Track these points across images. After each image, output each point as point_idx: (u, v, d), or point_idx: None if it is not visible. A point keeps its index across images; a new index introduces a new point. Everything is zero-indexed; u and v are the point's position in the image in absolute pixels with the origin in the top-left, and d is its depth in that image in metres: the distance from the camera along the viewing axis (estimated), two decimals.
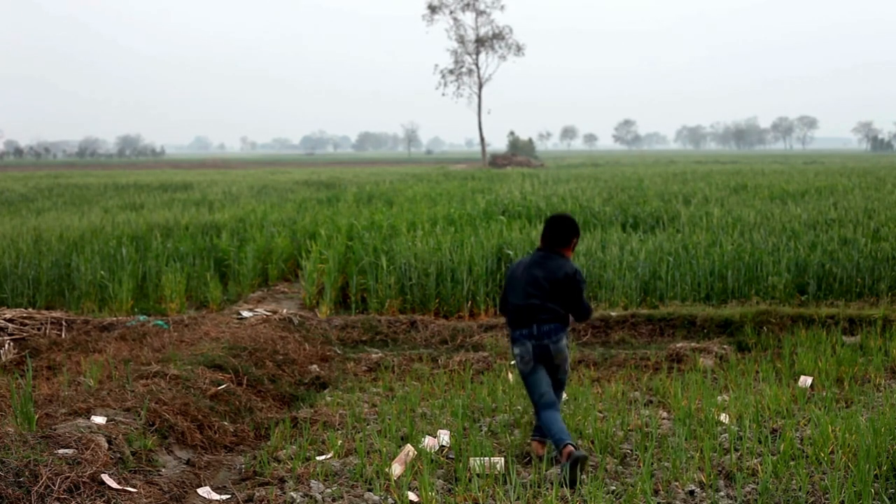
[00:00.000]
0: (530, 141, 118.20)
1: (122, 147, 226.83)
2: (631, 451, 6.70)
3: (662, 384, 8.60)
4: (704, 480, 5.87)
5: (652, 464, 6.21)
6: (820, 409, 7.50)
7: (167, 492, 5.78)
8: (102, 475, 5.45)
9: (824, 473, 5.83)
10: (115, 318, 11.97)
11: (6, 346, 10.48)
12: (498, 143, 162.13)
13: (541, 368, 6.58)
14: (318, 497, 5.70)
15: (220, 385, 8.03)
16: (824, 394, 8.06)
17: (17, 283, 13.85)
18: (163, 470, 6.17)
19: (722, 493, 5.67)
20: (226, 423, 7.41)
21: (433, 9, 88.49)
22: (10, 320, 11.28)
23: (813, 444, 6.36)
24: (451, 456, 6.59)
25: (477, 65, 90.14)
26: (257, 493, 5.81)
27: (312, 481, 5.97)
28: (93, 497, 5.20)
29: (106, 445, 5.90)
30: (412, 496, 5.63)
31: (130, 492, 5.45)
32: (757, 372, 9.20)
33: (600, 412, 7.71)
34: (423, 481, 5.62)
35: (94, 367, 8.51)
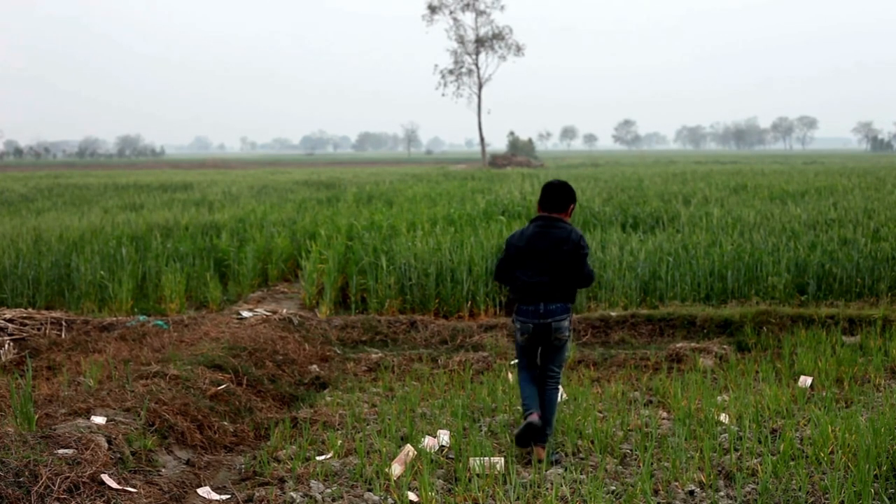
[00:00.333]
0: (530, 141, 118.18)
1: (122, 147, 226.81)
2: (631, 451, 6.70)
3: (662, 384, 8.60)
4: (704, 480, 5.88)
5: (652, 464, 6.21)
6: (820, 409, 7.50)
7: (167, 492, 5.78)
8: (102, 475, 5.45)
9: (824, 473, 5.84)
10: (114, 319, 11.97)
11: (6, 346, 10.48)
12: (498, 144, 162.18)
13: (534, 346, 6.71)
14: (318, 497, 5.70)
15: (219, 385, 8.03)
16: (824, 394, 8.06)
17: (17, 283, 13.85)
18: (163, 470, 6.17)
19: (722, 493, 5.67)
20: (226, 423, 7.41)
21: (433, 9, 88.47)
22: (10, 320, 11.28)
23: (813, 444, 6.36)
24: (450, 456, 6.59)
25: (477, 65, 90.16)
26: (257, 493, 5.81)
27: (312, 481, 5.97)
28: (93, 497, 5.19)
29: (106, 445, 5.90)
30: (412, 496, 5.63)
31: (130, 492, 5.45)
32: (757, 372, 9.20)
33: (600, 412, 7.71)
34: (423, 481, 5.62)
35: (94, 367, 8.51)
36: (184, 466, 6.46)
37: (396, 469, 6.08)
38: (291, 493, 5.75)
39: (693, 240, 14.90)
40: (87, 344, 10.61)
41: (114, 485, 5.42)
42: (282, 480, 6.09)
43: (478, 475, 5.98)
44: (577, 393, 8.30)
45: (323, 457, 6.57)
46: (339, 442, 6.86)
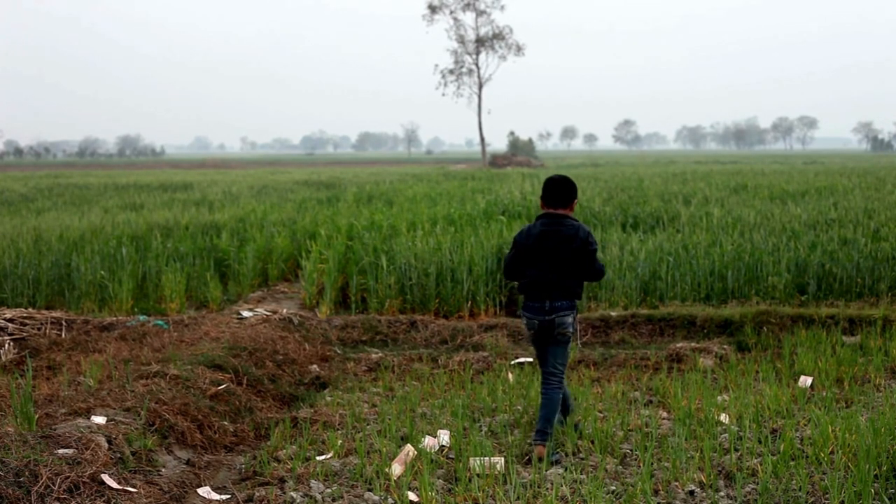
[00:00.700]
0: (530, 141, 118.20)
1: (122, 147, 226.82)
2: (631, 451, 6.70)
3: (662, 384, 8.60)
4: (704, 480, 5.87)
5: (652, 464, 6.21)
6: (820, 409, 7.50)
7: (167, 492, 5.79)
8: (102, 475, 5.45)
9: (824, 473, 5.83)
10: (115, 318, 11.97)
11: (6, 345, 10.48)
12: (498, 144, 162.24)
13: (545, 344, 6.78)
14: (318, 497, 5.70)
15: (220, 385, 8.03)
16: (824, 394, 8.06)
17: (17, 282, 13.85)
18: (163, 470, 6.17)
19: (722, 494, 5.67)
20: (226, 423, 7.41)
21: (433, 9, 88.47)
22: (10, 320, 11.28)
23: (813, 444, 6.36)
24: (451, 456, 6.59)
25: (477, 65, 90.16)
26: (257, 493, 5.81)
27: (312, 481, 5.98)
28: (93, 497, 5.20)
29: (106, 445, 5.90)
30: (412, 496, 5.63)
31: (130, 492, 5.45)
32: (757, 372, 9.20)
33: (600, 412, 7.71)
34: (423, 481, 5.62)
35: (94, 367, 8.51)
36: (184, 466, 6.46)
37: (396, 469, 6.08)
38: (291, 493, 5.75)
39: (693, 240, 14.90)
40: (87, 344, 10.61)
41: (114, 485, 5.42)
42: (282, 480, 6.09)
43: (478, 475, 5.98)
44: (578, 393, 8.30)
45: (323, 457, 6.57)
46: (340, 442, 6.86)
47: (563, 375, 6.86)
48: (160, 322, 11.43)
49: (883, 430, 6.16)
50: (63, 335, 11.22)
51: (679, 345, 10.34)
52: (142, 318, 11.92)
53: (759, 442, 6.65)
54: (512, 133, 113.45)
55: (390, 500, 5.63)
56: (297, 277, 15.88)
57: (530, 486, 5.83)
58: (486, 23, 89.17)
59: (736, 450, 6.48)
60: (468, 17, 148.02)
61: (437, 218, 18.83)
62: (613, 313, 11.70)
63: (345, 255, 14.86)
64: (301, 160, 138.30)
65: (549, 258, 6.61)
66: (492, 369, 9.68)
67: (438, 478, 6.08)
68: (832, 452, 6.21)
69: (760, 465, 6.04)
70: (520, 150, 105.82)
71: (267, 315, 11.62)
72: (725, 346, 10.36)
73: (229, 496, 5.86)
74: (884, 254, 13.32)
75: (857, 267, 12.94)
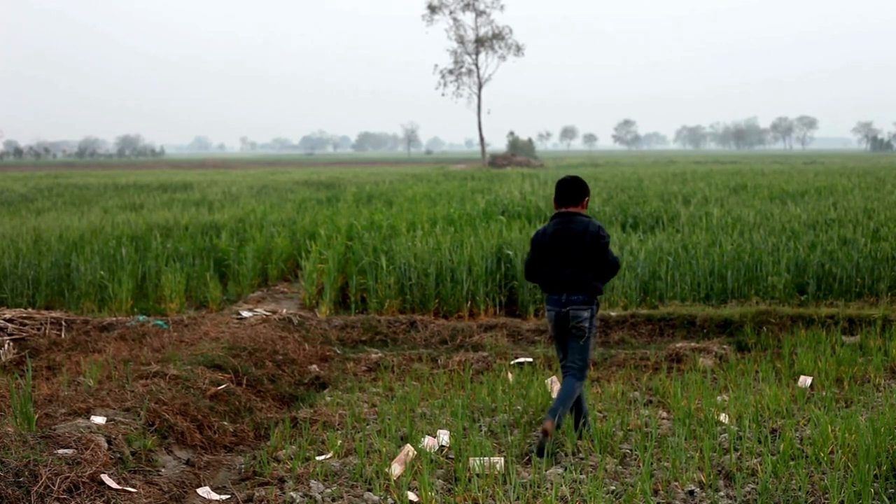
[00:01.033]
0: (530, 141, 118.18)
1: (122, 147, 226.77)
2: (631, 450, 6.70)
3: (662, 384, 8.60)
4: (704, 480, 5.88)
5: (652, 464, 6.21)
6: (820, 408, 7.50)
7: (167, 492, 5.79)
8: (102, 475, 5.46)
9: (824, 473, 5.84)
10: (114, 319, 11.96)
11: (6, 346, 10.48)
12: (498, 144, 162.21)
13: (564, 336, 6.96)
14: (318, 497, 5.70)
15: (219, 385, 8.03)
16: (824, 394, 8.06)
17: (17, 283, 13.85)
18: (162, 470, 6.17)
19: (721, 493, 5.67)
20: (225, 423, 7.41)
21: (433, 9, 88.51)
22: (10, 320, 11.27)
23: (812, 443, 6.36)
24: (450, 456, 6.59)
25: (476, 65, 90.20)
26: (257, 493, 5.81)
27: (312, 481, 5.98)
28: (92, 497, 5.20)
29: (105, 445, 5.91)
30: (412, 496, 5.63)
31: (130, 492, 5.45)
32: (756, 372, 9.20)
33: (600, 412, 7.72)
34: (423, 481, 5.62)
35: (94, 367, 8.51)
36: (184, 466, 6.46)
37: (396, 469, 6.08)
38: (291, 493, 5.75)
39: (693, 240, 14.90)
40: (86, 344, 10.60)
41: (114, 485, 5.42)
42: (282, 480, 6.09)
43: (477, 475, 5.98)
44: None
45: (323, 457, 6.57)
46: (339, 442, 6.87)
47: (583, 372, 6.91)
48: (160, 322, 11.43)
49: (882, 429, 6.16)
50: (63, 335, 11.22)
51: (679, 345, 10.34)
52: (141, 318, 11.92)
53: (759, 442, 6.65)
54: (511, 133, 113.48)
55: (390, 500, 5.63)
56: (297, 277, 15.88)
57: (530, 486, 5.83)
58: (486, 23, 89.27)
59: (736, 450, 6.49)
60: (468, 18, 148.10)
61: (437, 218, 18.84)
62: (613, 313, 11.70)
63: (344, 255, 14.86)
64: (301, 160, 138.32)
65: (564, 255, 6.82)
66: (491, 369, 9.68)
67: (438, 478, 6.08)
68: (832, 452, 6.21)
69: (760, 464, 6.04)
70: (519, 150, 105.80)
71: (266, 315, 11.62)
72: (725, 346, 10.35)
73: (229, 496, 5.86)
74: (883, 254, 13.33)
75: (857, 267, 12.94)
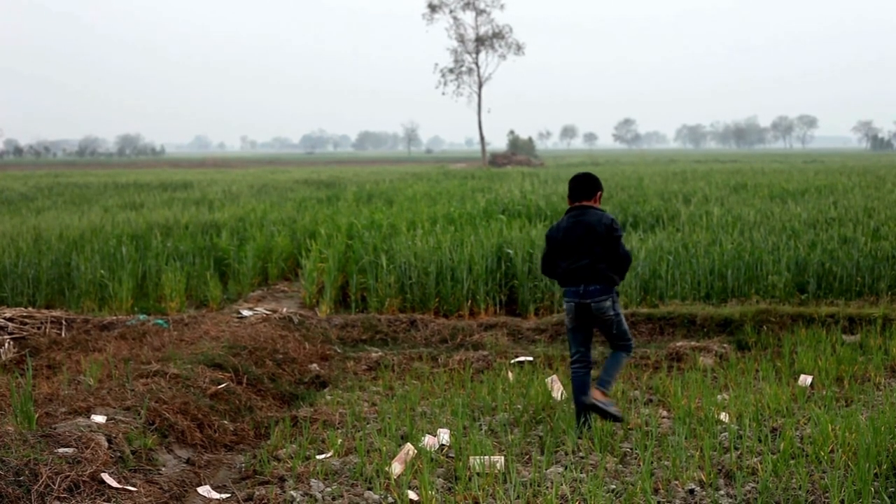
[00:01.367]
0: (530, 140, 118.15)
1: (122, 146, 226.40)
2: (631, 449, 6.71)
3: (662, 383, 8.60)
4: (704, 479, 5.88)
5: (652, 462, 6.21)
6: (820, 407, 7.50)
7: (167, 490, 5.79)
8: (102, 474, 5.46)
9: (824, 472, 5.84)
10: (115, 317, 11.97)
11: (6, 345, 10.48)
12: (498, 142, 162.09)
13: (582, 328, 7.17)
14: (318, 496, 5.71)
15: (220, 384, 8.04)
16: (824, 392, 8.06)
17: (17, 281, 13.85)
18: (163, 469, 6.18)
19: (722, 492, 5.67)
20: (226, 422, 7.41)
21: (433, 7, 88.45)
22: (10, 319, 11.27)
23: (813, 442, 6.36)
24: (451, 455, 6.59)
25: (477, 64, 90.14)
26: (257, 492, 5.81)
27: (312, 480, 5.98)
28: (93, 496, 5.20)
29: (106, 444, 5.91)
30: (412, 495, 5.63)
31: (130, 491, 5.45)
32: (757, 371, 9.20)
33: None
34: (423, 480, 5.62)
35: (94, 366, 8.51)
36: (184, 465, 6.46)
37: (396, 468, 6.08)
38: (291, 492, 5.75)
39: (693, 238, 14.89)
40: (87, 343, 10.61)
41: (114, 483, 5.42)
42: (282, 479, 6.10)
43: (478, 474, 5.99)
44: None
45: (323, 455, 6.57)
46: (340, 441, 6.87)
47: (630, 348, 7.30)
48: (160, 321, 11.43)
49: (883, 428, 6.16)
50: (63, 334, 11.22)
51: (679, 343, 10.34)
52: (142, 317, 11.92)
53: (759, 441, 6.65)
54: (512, 132, 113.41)
55: (390, 498, 5.63)
56: (297, 276, 15.88)
57: (530, 484, 5.83)
58: (486, 22, 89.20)
59: (736, 448, 6.49)
60: (468, 16, 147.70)
61: (437, 217, 18.83)
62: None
63: (345, 254, 14.86)
64: (301, 159, 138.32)
65: (578, 246, 6.99)
66: (492, 368, 9.68)
67: (438, 477, 6.09)
68: (832, 451, 6.22)
69: (760, 463, 6.05)
70: (520, 149, 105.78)
71: (267, 314, 11.62)
72: (725, 345, 10.36)
73: (229, 495, 5.86)
74: (884, 252, 13.32)
75: (857, 266, 12.94)
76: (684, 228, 16.84)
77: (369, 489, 5.84)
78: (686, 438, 6.76)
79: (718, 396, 8.04)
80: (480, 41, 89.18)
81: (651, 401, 8.22)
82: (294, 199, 28.11)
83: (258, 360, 9.18)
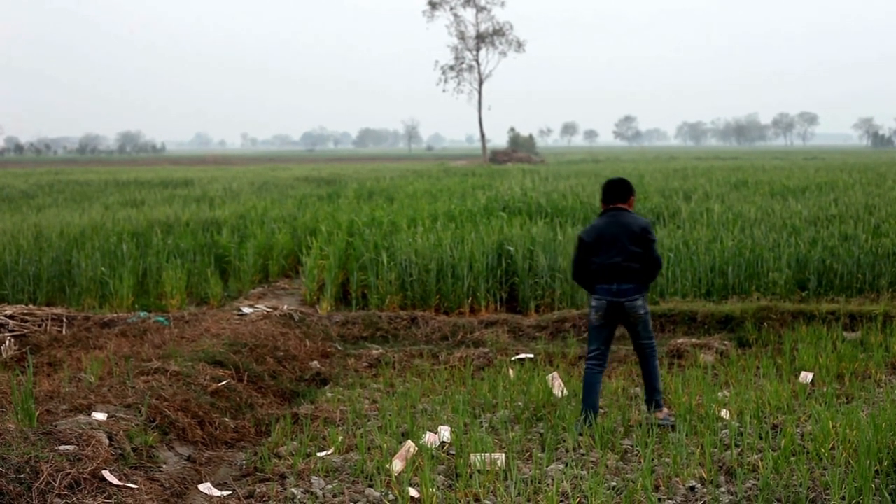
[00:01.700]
0: (531, 137, 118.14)
1: (123, 143, 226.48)
2: (631, 446, 6.71)
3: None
4: (705, 476, 5.88)
5: (652, 460, 6.21)
6: (821, 404, 7.50)
7: (168, 488, 5.79)
8: (103, 471, 5.46)
9: (825, 469, 5.84)
10: (115, 315, 11.97)
11: (7, 342, 10.48)
12: (498, 140, 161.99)
13: (609, 326, 7.26)
14: (319, 493, 5.71)
15: (220, 381, 8.04)
16: (825, 390, 8.06)
17: (18, 279, 13.85)
18: (164, 466, 6.18)
19: (723, 489, 5.67)
20: (226, 420, 7.42)
21: (433, 5, 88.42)
22: (11, 317, 11.28)
23: (814, 439, 6.36)
24: (451, 452, 6.59)
25: (477, 61, 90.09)
26: (258, 490, 5.82)
27: (313, 477, 5.98)
28: (94, 493, 5.20)
29: (107, 442, 5.91)
30: (413, 492, 5.64)
31: (131, 488, 5.45)
32: (757, 368, 9.20)
33: (601, 408, 7.71)
34: (424, 477, 5.62)
35: (95, 363, 8.52)
36: (185, 462, 6.46)
37: (397, 465, 6.08)
38: (292, 490, 5.76)
39: (694, 236, 14.89)
40: (87, 340, 10.61)
41: (115, 481, 5.42)
42: (283, 476, 6.10)
43: (479, 471, 5.99)
44: (579, 389, 8.29)
45: (324, 453, 6.58)
46: (340, 438, 6.87)
47: (654, 347, 7.41)
48: (161, 318, 11.43)
49: (884, 425, 6.16)
50: (64, 332, 11.22)
51: (680, 341, 10.34)
52: (142, 314, 11.92)
53: (760, 438, 6.65)
54: (512, 129, 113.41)
55: (391, 496, 5.63)
56: (298, 274, 15.88)
57: (531, 482, 5.83)
58: (487, 19, 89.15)
59: (737, 445, 6.49)
60: (468, 14, 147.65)
61: (438, 214, 18.82)
62: None
63: (345, 251, 14.85)
64: (302, 156, 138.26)
65: (612, 245, 7.12)
66: (492, 365, 9.68)
67: (439, 474, 6.09)
68: (833, 448, 6.22)
69: (761, 460, 6.05)
70: (520, 147, 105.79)
71: (267, 311, 11.62)
72: (726, 342, 10.36)
73: (230, 492, 5.86)
74: (884, 250, 13.31)
75: (858, 263, 12.94)
76: (685, 225, 16.83)
77: (370, 486, 5.84)
78: (687, 435, 6.77)
79: (719, 393, 8.05)
80: (481, 38, 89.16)
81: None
82: (295, 196, 28.10)
83: (259, 357, 9.19)
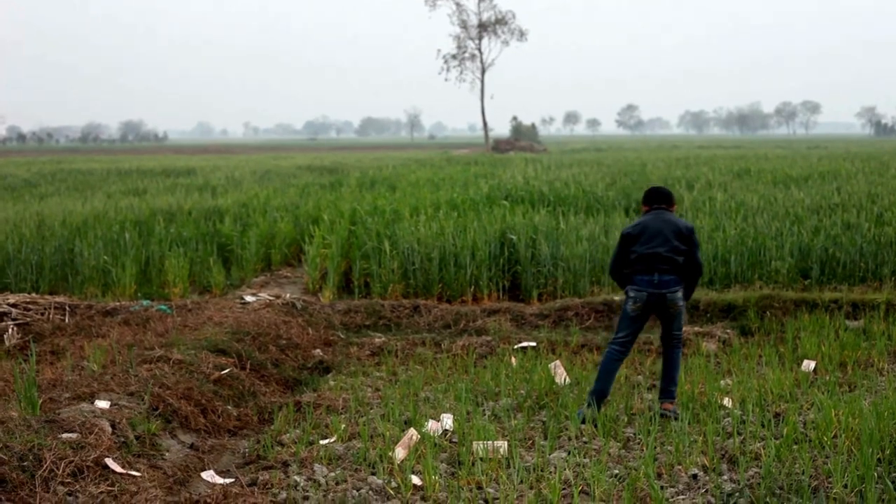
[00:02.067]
0: (533, 126, 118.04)
1: (125, 132, 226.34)
2: (634, 434, 6.72)
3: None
4: (707, 464, 5.89)
5: (655, 447, 6.22)
6: (823, 393, 7.51)
7: (171, 475, 5.80)
8: (106, 459, 5.47)
9: (827, 457, 5.84)
10: (118, 303, 11.97)
11: (10, 331, 10.50)
12: (501, 128, 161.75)
13: (644, 317, 7.26)
14: (322, 481, 5.72)
15: (223, 369, 8.05)
16: (827, 378, 8.06)
17: (21, 268, 13.86)
18: (166, 454, 6.19)
19: (725, 477, 5.68)
20: (229, 408, 7.43)
21: None
22: (14, 305, 11.29)
23: (816, 428, 6.37)
24: (454, 440, 6.60)
25: (479, 50, 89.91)
26: (261, 477, 5.83)
27: (316, 465, 5.99)
28: (97, 481, 5.21)
29: (109, 430, 5.92)
30: (415, 480, 5.65)
31: (134, 476, 5.46)
32: (760, 356, 9.20)
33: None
34: (427, 465, 5.63)
35: (98, 351, 8.53)
36: (188, 450, 6.47)
37: (400, 453, 6.10)
38: (295, 477, 5.77)
39: (696, 224, 14.87)
40: (90, 329, 10.62)
41: (118, 469, 5.43)
42: (285, 464, 6.11)
43: (481, 459, 6.00)
44: (581, 377, 8.31)
45: (326, 441, 6.59)
46: (343, 426, 6.88)
47: (682, 332, 7.41)
48: (163, 307, 11.44)
49: (886, 413, 6.17)
50: (66, 320, 11.23)
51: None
52: (145, 302, 11.93)
53: (763, 426, 6.66)
54: (515, 118, 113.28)
55: (394, 483, 5.64)
56: (301, 262, 15.88)
57: (533, 469, 5.84)
58: (489, 7, 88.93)
59: (739, 434, 6.49)
60: (470, 2, 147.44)
61: (440, 203, 18.79)
62: (616, 298, 11.69)
63: (348, 239, 14.85)
64: (304, 145, 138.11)
65: (656, 236, 7.15)
66: (495, 353, 9.69)
67: (442, 462, 6.10)
68: (835, 436, 6.22)
69: (763, 448, 6.05)
70: (523, 135, 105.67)
71: (270, 300, 11.63)
72: (729, 331, 10.36)
73: (233, 480, 5.87)
74: (887, 238, 13.30)
75: (861, 251, 12.93)
76: (687, 214, 16.81)
77: (373, 474, 5.85)
78: (689, 423, 6.77)
79: (722, 382, 8.05)
80: (483, 27, 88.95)
81: (654, 386, 8.22)
82: (297, 185, 28.07)
83: (262, 345, 9.19)
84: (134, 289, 13.37)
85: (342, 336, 10.79)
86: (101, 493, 5.07)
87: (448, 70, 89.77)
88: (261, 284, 13.95)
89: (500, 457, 6.06)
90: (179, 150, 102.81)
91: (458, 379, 8.46)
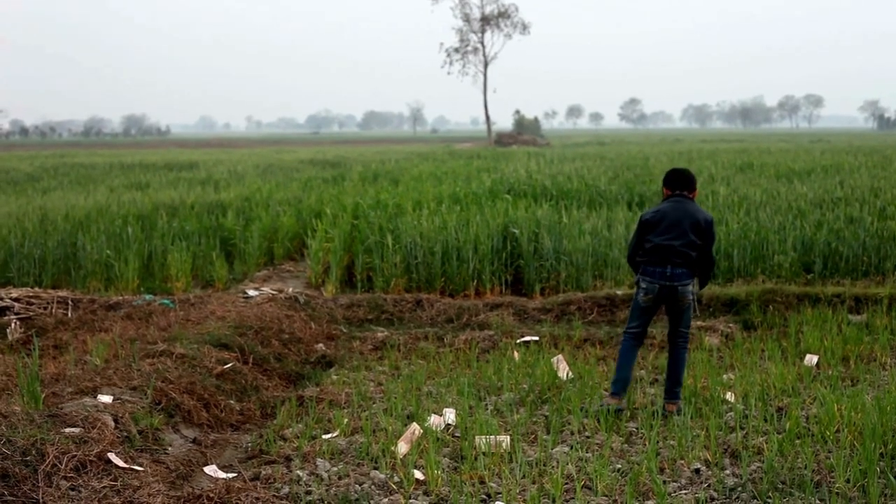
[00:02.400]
0: (536, 120, 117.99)
1: (128, 126, 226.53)
2: (637, 429, 6.72)
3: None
4: (710, 459, 5.89)
5: (658, 442, 6.22)
6: (826, 387, 7.51)
7: (174, 470, 5.81)
8: (109, 454, 5.47)
9: (830, 452, 5.84)
10: (121, 297, 11.98)
11: (13, 325, 10.51)
12: (503, 122, 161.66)
13: (655, 308, 7.28)
14: (324, 475, 5.72)
15: (226, 364, 8.05)
16: (830, 372, 8.06)
17: (23, 262, 13.86)
18: (169, 448, 6.20)
19: (727, 472, 5.68)
20: (232, 402, 7.44)
21: None
22: (17, 299, 11.30)
23: (818, 422, 6.37)
24: (456, 434, 6.61)
25: (482, 43, 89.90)
26: (263, 472, 5.83)
27: (318, 460, 6.00)
28: (99, 475, 5.22)
29: (112, 424, 5.93)
30: (418, 474, 5.65)
31: (137, 470, 5.47)
32: (762, 350, 9.20)
33: (606, 390, 7.71)
34: (429, 459, 5.64)
35: (101, 346, 8.53)
36: (190, 445, 6.48)
37: (402, 447, 6.10)
38: (298, 472, 5.77)
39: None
40: (93, 323, 10.63)
41: (120, 463, 5.44)
42: (288, 459, 6.12)
43: (483, 453, 6.00)
44: (584, 371, 8.31)
45: (329, 435, 6.59)
46: (345, 420, 6.88)
47: (688, 338, 7.42)
48: (166, 301, 11.45)
49: (888, 408, 6.16)
50: (69, 314, 11.24)
51: None
52: (148, 297, 11.94)
53: (765, 420, 6.65)
54: (517, 112, 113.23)
55: (396, 478, 5.65)
56: (303, 256, 15.89)
57: (536, 464, 5.84)
58: (491, 1, 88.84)
59: (742, 428, 6.49)
60: None
61: (443, 197, 18.78)
62: (619, 292, 11.69)
63: (350, 233, 14.85)
64: (306, 139, 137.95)
65: (673, 227, 7.08)
66: (497, 348, 9.69)
67: (444, 456, 6.10)
68: (838, 431, 6.22)
69: (766, 443, 6.05)
70: (525, 129, 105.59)
71: (273, 294, 11.63)
72: (731, 325, 10.35)
73: (236, 474, 5.88)
74: (890, 232, 13.28)
75: (864, 245, 12.91)
76: None
77: (375, 469, 5.86)
78: (692, 418, 6.78)
79: (724, 376, 8.05)
80: (486, 21, 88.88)
81: (657, 380, 8.22)
82: (299, 179, 28.06)
83: (264, 339, 9.20)
84: (137, 283, 13.38)
85: (345, 330, 10.79)
86: (104, 487, 5.08)
87: (451, 64, 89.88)
88: (263, 279, 13.95)
89: (502, 451, 6.06)
90: (182, 144, 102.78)
91: (461, 373, 8.46)
